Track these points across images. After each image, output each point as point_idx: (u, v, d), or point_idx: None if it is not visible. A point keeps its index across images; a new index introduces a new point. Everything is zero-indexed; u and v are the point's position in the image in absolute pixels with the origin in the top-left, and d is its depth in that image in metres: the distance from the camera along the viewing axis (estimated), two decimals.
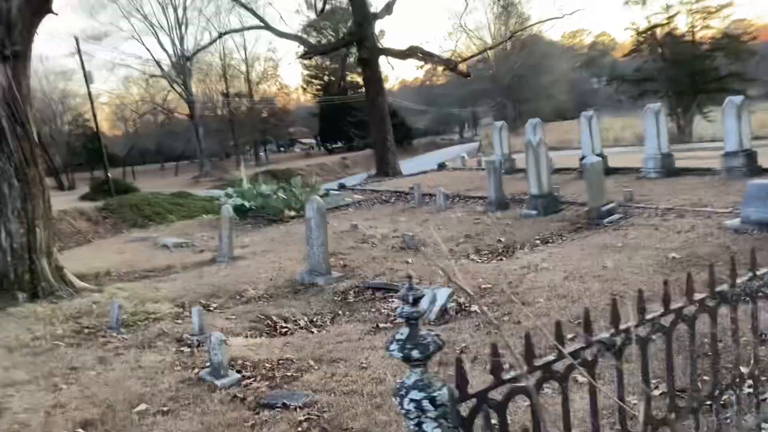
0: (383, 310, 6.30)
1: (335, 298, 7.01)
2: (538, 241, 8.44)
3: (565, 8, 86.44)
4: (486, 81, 50.72)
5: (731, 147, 10.70)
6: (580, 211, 9.61)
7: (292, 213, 13.59)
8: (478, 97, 54.90)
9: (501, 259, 7.86)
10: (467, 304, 5.96)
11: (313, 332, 5.99)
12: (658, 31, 34.40)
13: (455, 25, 54.38)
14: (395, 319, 5.90)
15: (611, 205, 9.04)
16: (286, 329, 6.20)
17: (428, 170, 20.56)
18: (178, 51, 38.81)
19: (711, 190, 10.01)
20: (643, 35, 35.01)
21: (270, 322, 6.39)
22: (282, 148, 59.29)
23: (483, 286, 6.52)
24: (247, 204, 14.27)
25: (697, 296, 2.45)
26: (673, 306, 2.40)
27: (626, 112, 39.36)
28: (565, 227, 8.95)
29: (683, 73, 32.73)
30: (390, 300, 6.54)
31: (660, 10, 33.70)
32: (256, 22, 26.45)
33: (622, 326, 2.22)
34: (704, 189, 10.14)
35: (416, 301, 1.66)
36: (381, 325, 5.80)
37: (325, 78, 50.89)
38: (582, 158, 13.76)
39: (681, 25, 34.01)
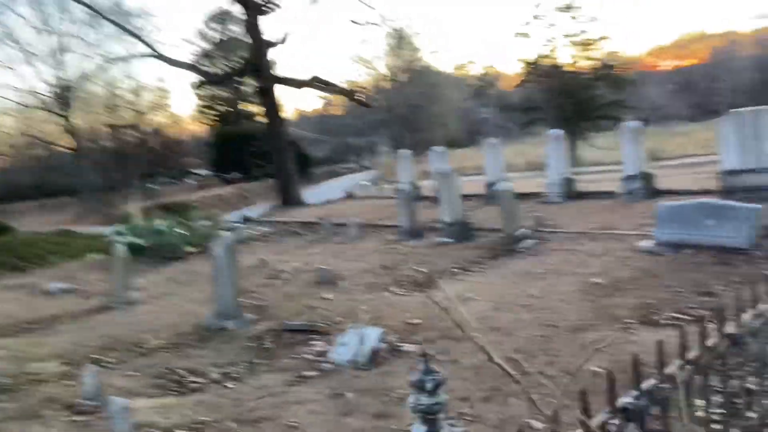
0: (307, 356, 5.76)
1: (250, 344, 6.38)
2: (457, 270, 8.24)
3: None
4: (382, 111, 51.37)
5: (630, 170, 11.14)
6: (494, 237, 9.56)
7: (192, 249, 12.68)
8: (375, 127, 55.50)
9: (423, 291, 7.54)
10: (398, 344, 5.57)
11: (228, 387, 5.35)
12: (544, 62, 36.32)
13: (353, 56, 54.79)
14: (321, 366, 5.40)
15: (525, 231, 9.04)
16: (196, 385, 5.50)
17: (335, 199, 20.17)
18: (58, 80, 36.26)
19: (615, 212, 10.32)
20: (530, 66, 36.82)
21: (177, 377, 5.67)
22: (175, 180, 56.79)
23: (412, 321, 6.17)
24: (140, 241, 13.18)
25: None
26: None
27: (515, 140, 41.04)
28: (482, 254, 8.83)
29: (568, 102, 34.65)
30: (312, 343, 6.02)
31: (545, 42, 35.63)
32: (145, 49, 25.19)
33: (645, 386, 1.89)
34: (608, 212, 10.44)
35: (436, 388, 1.25)
36: (306, 374, 5.27)
37: (220, 107, 49.54)
38: (490, 185, 13.92)
39: (564, 56, 36.11)
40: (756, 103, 10.05)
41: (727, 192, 9.47)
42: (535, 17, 35.40)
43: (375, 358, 5.35)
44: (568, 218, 10.16)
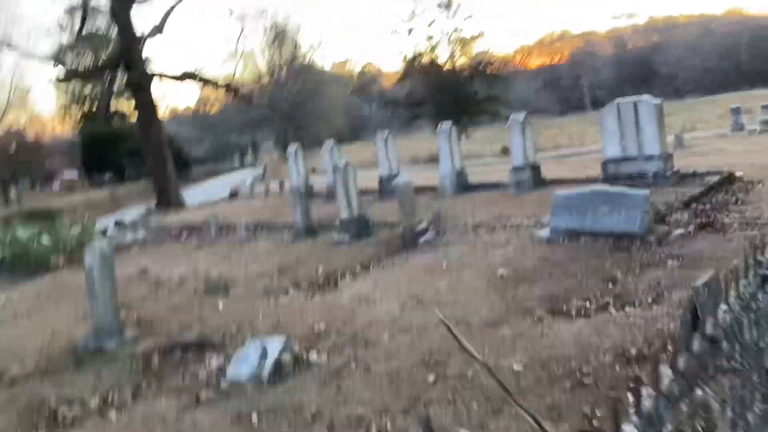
0: (201, 374, 5.17)
1: (135, 365, 5.67)
2: (358, 268, 7.89)
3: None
4: (264, 107, 50.12)
5: (518, 162, 11.33)
6: (393, 232, 9.31)
7: (62, 260, 11.41)
8: (257, 124, 54.08)
9: (324, 292, 7.13)
10: (304, 354, 5.12)
11: (110, 417, 4.66)
12: (424, 59, 36.98)
13: (231, 51, 52.63)
14: (220, 385, 4.84)
15: (424, 225, 8.87)
16: (71, 417, 4.76)
17: (219, 199, 19.16)
18: None
19: (508, 203, 10.42)
20: (411, 63, 37.34)
21: (49, 410, 4.88)
22: (38, 185, 52.12)
23: (315, 327, 5.74)
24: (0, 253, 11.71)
25: None
26: None
27: (398, 135, 41.45)
28: (382, 251, 8.54)
29: (449, 98, 35.51)
30: (206, 359, 5.42)
31: (424, 39, 36.27)
32: None
33: None
34: (501, 203, 10.53)
35: None
36: (203, 396, 4.69)
37: (87, 105, 46.03)
38: (384, 179, 13.71)
39: (443, 53, 36.96)
40: (615, 98, 10.53)
41: (610, 179, 9.84)
42: (414, 15, 35.97)
43: (280, 372, 4.87)
44: (464, 210, 10.12)
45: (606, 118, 10.03)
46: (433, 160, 32.16)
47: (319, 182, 16.41)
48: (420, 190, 12.89)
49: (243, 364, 4.97)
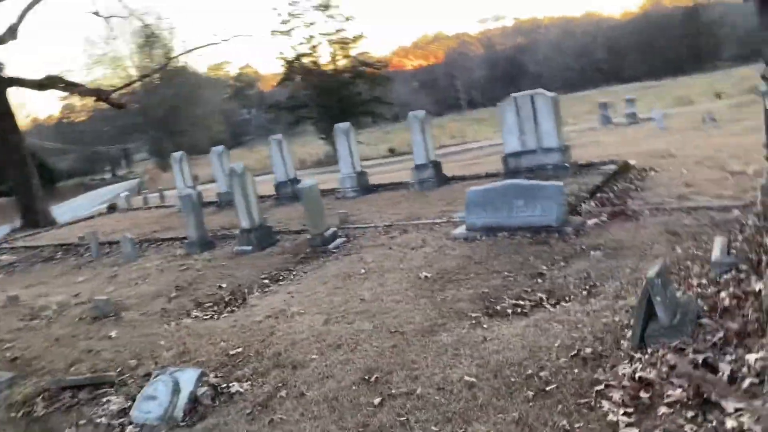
0: (99, 420, 4.39)
1: (12, 415, 4.75)
2: (267, 281, 7.27)
3: (214, 38, 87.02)
4: (136, 115, 47.19)
5: (420, 160, 11.15)
6: (299, 239, 8.77)
7: None
8: (129, 132, 50.81)
9: (233, 311, 6.46)
10: (223, 385, 4.49)
11: None
12: (305, 61, 36.33)
13: (93, 56, 48.92)
14: (125, 431, 4.11)
15: (333, 230, 8.40)
16: None
17: (95, 215, 17.50)
18: None
19: (414, 202, 10.19)
20: (292, 65, 36.56)
21: None
22: None
23: (230, 352, 5.10)
24: None
25: None
26: None
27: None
28: (290, 260, 7.97)
29: (332, 100, 35.13)
30: (106, 401, 4.63)
31: (304, 40, 35.62)
32: None
33: None
34: (407, 202, 10.28)
35: None
36: None
37: None
38: (280, 184, 13.04)
39: (324, 55, 36.50)
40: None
41: (512, 173, 9.88)
42: (292, 15, 35.24)
43: (197, 409, 4.22)
44: (372, 212, 9.77)
45: (504, 113, 10.06)
46: (322, 163, 31.80)
47: (206, 191, 15.43)
48: (321, 193, 12.43)
49: (151, 404, 4.27)
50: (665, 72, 50.32)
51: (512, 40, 79.45)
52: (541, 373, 3.72)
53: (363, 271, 6.73)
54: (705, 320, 3.76)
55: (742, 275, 4.36)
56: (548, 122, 9.72)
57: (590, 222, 6.92)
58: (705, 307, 3.97)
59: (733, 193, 7.34)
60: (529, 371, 3.78)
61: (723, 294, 4.18)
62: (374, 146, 35.51)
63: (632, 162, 9.85)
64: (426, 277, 6.12)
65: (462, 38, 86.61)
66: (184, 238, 9.95)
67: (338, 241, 8.10)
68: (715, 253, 4.84)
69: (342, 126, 12.01)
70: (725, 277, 4.49)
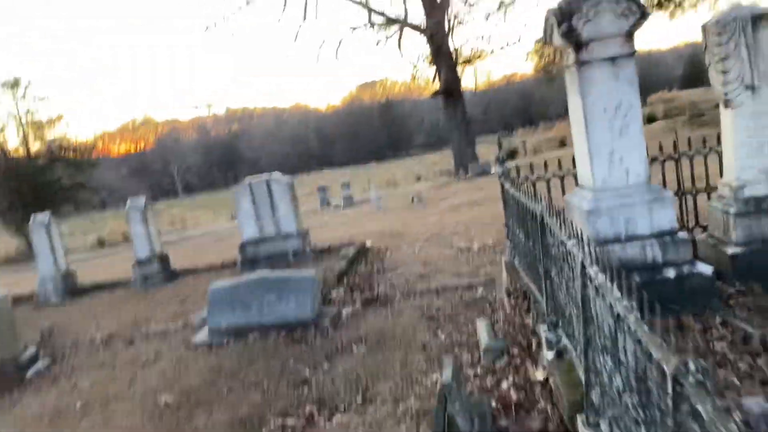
0: None
1: None
2: None
3: None
4: None
5: (143, 253, 9.72)
6: None
7: None
8: None
9: None
10: None
11: None
12: None
13: None
14: None
15: (32, 349, 6.59)
16: None
17: None
18: None
19: (138, 304, 8.69)
20: None
21: None
22: None
23: None
24: None
25: None
26: None
27: None
28: None
29: (25, 186, 30.82)
30: None
31: None
32: None
33: None
34: (130, 305, 8.74)
35: None
36: None
37: None
38: None
39: (12, 138, 32.07)
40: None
41: (251, 262, 9.15)
42: None
43: None
44: (84, 322, 8.01)
45: (240, 199, 9.37)
46: (11, 261, 26.95)
47: None
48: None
49: None
50: (369, 158, 55.51)
51: (225, 127, 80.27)
52: None
53: (79, 404, 5.23)
54: (504, 422, 3.44)
55: (517, 360, 4.24)
56: (285, 206, 9.30)
57: (345, 311, 6.49)
58: (496, 404, 3.68)
59: (469, 270, 7.62)
60: None
61: (504, 385, 3.99)
62: (80, 237, 31.76)
63: (368, 243, 9.90)
64: (166, 403, 4.94)
65: (173, 124, 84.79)
66: None
67: (39, 364, 6.34)
68: (483, 338, 4.72)
69: (41, 217, 9.97)
70: (499, 364, 4.34)
